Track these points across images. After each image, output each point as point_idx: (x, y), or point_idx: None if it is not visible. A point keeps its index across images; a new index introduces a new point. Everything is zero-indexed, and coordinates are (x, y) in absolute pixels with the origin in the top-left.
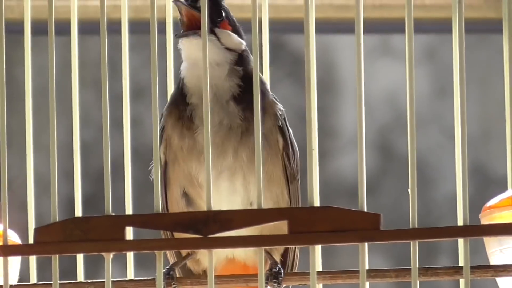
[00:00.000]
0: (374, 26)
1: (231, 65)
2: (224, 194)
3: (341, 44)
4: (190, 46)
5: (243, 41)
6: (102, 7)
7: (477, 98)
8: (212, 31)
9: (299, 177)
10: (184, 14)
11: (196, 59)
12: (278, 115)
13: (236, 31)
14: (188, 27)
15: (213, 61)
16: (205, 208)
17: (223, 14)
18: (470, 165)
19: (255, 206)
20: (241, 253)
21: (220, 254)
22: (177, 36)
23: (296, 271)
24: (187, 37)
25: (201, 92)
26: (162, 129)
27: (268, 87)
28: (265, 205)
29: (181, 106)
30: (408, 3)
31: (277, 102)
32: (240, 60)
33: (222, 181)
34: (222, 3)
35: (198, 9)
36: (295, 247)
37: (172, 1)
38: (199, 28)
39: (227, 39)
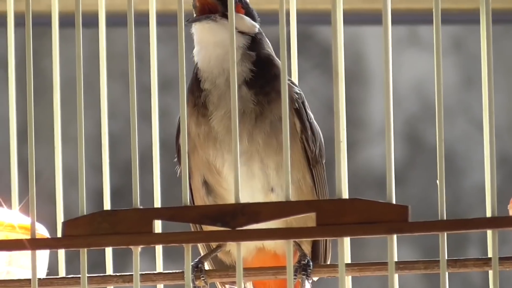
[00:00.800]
0: (401, 17)
1: (244, 49)
2: (243, 180)
3: (368, 35)
4: (202, 30)
5: (256, 24)
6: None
7: (504, 89)
8: (224, 15)
9: (323, 161)
10: (198, 1)
11: (207, 42)
12: (295, 98)
13: (249, 13)
14: (201, 11)
15: (226, 44)
16: (224, 196)
17: None
18: (497, 156)
19: (278, 193)
20: (271, 243)
21: (250, 244)
22: (189, 21)
23: (327, 263)
24: (199, 21)
25: (213, 77)
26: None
27: (296, 75)
28: (286, 190)
29: (196, 93)
30: None
31: (294, 86)
32: (253, 43)
33: (240, 166)
34: None
35: None
36: (326, 240)
37: None
38: (211, 12)
39: (240, 22)
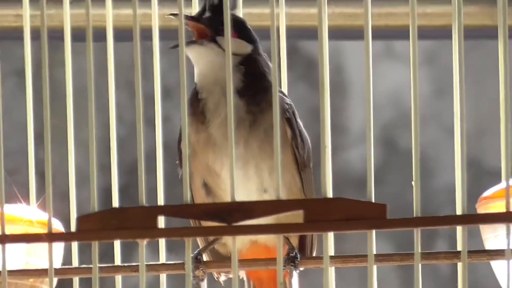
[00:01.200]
0: (379, 33)
1: (234, 65)
2: (240, 182)
3: (350, 49)
4: (191, 53)
5: (249, 45)
6: (134, 16)
7: (472, 98)
8: (213, 40)
9: (311, 165)
10: (190, 27)
11: (198, 63)
12: (286, 108)
13: (244, 36)
14: (198, 35)
15: (217, 63)
16: (222, 197)
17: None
18: (466, 159)
19: (270, 193)
20: (263, 237)
21: (244, 238)
22: (186, 45)
23: (313, 255)
24: (187, 46)
25: (209, 87)
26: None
27: (285, 85)
28: (278, 190)
29: (195, 103)
30: (411, 12)
31: (285, 97)
32: (245, 60)
33: (236, 169)
34: (232, 11)
35: (201, 22)
36: (312, 235)
37: (184, 18)
38: (201, 37)
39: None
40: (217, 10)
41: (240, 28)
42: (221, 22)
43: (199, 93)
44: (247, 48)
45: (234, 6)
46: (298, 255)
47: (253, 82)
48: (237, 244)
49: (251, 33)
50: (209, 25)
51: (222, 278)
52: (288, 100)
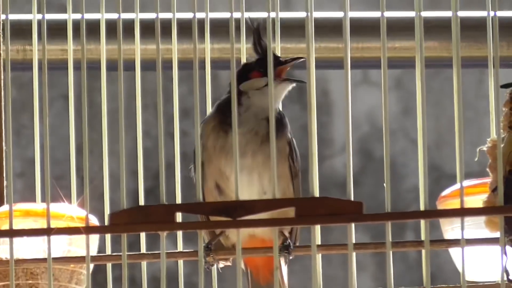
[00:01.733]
0: (357, 63)
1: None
2: (245, 186)
3: (333, 76)
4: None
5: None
6: (157, 50)
7: (433, 116)
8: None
9: (300, 175)
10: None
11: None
12: (288, 133)
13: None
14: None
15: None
16: (233, 198)
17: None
18: (428, 165)
19: (269, 196)
20: (260, 231)
21: (244, 232)
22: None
23: (298, 244)
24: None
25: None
26: (201, 136)
27: (280, 106)
28: (276, 195)
29: (227, 113)
30: (383, 46)
31: (288, 126)
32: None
33: (243, 176)
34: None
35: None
36: (297, 228)
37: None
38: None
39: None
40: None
41: (262, 67)
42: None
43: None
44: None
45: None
46: (291, 244)
47: (279, 119)
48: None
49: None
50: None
51: (220, 265)
52: (289, 130)
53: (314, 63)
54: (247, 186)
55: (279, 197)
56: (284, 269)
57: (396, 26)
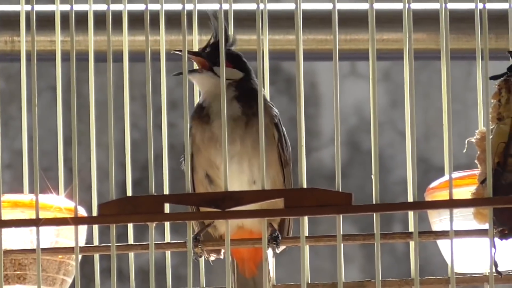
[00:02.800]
0: (345, 55)
1: (229, 83)
2: (235, 174)
3: (322, 68)
4: (194, 80)
5: (241, 73)
6: (146, 41)
7: (421, 108)
8: (210, 69)
9: (291, 164)
10: (193, 60)
11: (201, 86)
12: (273, 115)
13: (237, 67)
14: (200, 66)
15: (213, 85)
16: (222, 186)
17: (227, 55)
18: (416, 157)
19: (258, 185)
20: (249, 223)
21: (233, 223)
22: (188, 72)
23: (290, 236)
24: (189, 74)
25: (211, 98)
26: (190, 129)
27: (268, 98)
28: (266, 183)
29: (199, 110)
30: (371, 38)
31: (273, 107)
32: (238, 84)
33: (233, 163)
34: (228, 47)
35: (202, 56)
36: (290, 219)
37: (188, 54)
38: (204, 67)
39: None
40: (216, 47)
41: (235, 60)
42: (217, 55)
43: (203, 103)
44: (239, 74)
45: (233, 43)
46: (280, 236)
47: (246, 93)
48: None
49: (245, 65)
50: (208, 58)
51: (211, 258)
52: (275, 110)
53: (302, 55)
54: (237, 175)
55: (268, 186)
56: (271, 261)
57: (384, 18)
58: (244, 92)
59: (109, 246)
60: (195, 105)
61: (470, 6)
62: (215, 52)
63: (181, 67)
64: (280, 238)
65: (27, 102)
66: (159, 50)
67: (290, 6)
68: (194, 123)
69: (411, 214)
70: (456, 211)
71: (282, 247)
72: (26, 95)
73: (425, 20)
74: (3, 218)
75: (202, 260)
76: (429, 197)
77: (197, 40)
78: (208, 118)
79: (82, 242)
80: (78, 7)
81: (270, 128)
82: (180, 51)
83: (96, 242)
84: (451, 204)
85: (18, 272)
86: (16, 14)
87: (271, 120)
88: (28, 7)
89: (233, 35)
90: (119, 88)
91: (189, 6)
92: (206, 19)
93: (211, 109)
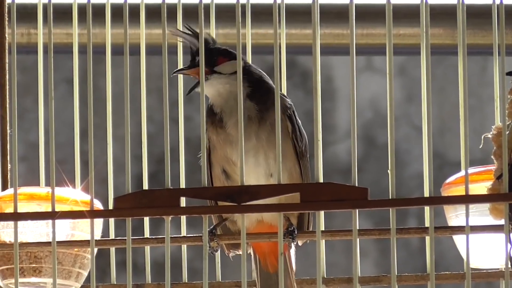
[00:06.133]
0: (362, 50)
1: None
2: (251, 167)
3: (338, 63)
4: (206, 87)
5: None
6: (163, 34)
7: (437, 103)
8: (213, 71)
9: (307, 155)
10: (192, 75)
11: (211, 92)
12: (287, 107)
13: (231, 58)
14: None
15: (223, 84)
16: (238, 180)
17: (217, 53)
18: (432, 152)
19: (275, 177)
20: (268, 217)
21: (252, 217)
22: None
23: (310, 230)
24: (197, 87)
25: (222, 101)
26: (206, 131)
27: (284, 92)
28: (282, 175)
29: (212, 115)
30: (388, 33)
31: (286, 98)
32: (245, 76)
33: (249, 157)
34: (213, 47)
35: (196, 66)
36: (309, 214)
37: (181, 72)
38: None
39: (225, 69)
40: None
41: (226, 54)
42: (211, 56)
43: (214, 108)
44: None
45: (214, 42)
46: (296, 230)
47: (257, 86)
48: (245, 222)
49: (234, 52)
50: (205, 64)
51: (232, 254)
52: (289, 101)
53: (319, 49)
54: (253, 168)
55: (285, 178)
56: (292, 254)
57: (401, 13)
58: (255, 84)
59: (125, 239)
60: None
61: (487, 1)
62: (205, 56)
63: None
64: (296, 232)
65: (43, 94)
66: (176, 43)
67: (307, 0)
68: (208, 128)
69: (427, 209)
70: (472, 206)
71: (299, 241)
72: (42, 88)
73: (442, 15)
74: (19, 211)
75: (218, 254)
76: (445, 192)
77: (214, 33)
78: (221, 123)
79: (98, 235)
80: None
81: (283, 120)
82: (180, 70)
83: (112, 235)
84: (467, 199)
85: (34, 265)
86: (33, 7)
87: (284, 112)
88: (45, 0)
89: (209, 34)
90: (135, 82)
91: (206, 0)
92: (222, 12)
93: (223, 113)
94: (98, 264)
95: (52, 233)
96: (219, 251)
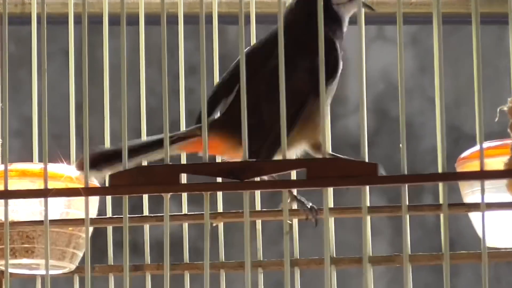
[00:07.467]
0: (372, 19)
1: None
2: None
3: (348, 32)
4: None
5: None
6: (162, 3)
7: (451, 74)
8: None
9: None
10: None
11: None
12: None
13: None
14: None
15: None
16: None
17: None
18: (446, 125)
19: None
20: None
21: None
22: None
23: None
24: None
25: None
26: None
27: None
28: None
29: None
30: (399, 1)
31: None
32: None
33: None
34: None
35: None
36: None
37: None
38: None
39: None
40: None
41: None
42: None
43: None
44: None
45: None
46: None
47: None
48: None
49: None
50: None
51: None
52: None
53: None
54: None
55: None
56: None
57: None
58: None
59: (122, 218)
60: (215, 69)
61: None
62: None
63: (198, 31)
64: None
65: (37, 66)
66: (177, 13)
67: None
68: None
69: (441, 185)
70: (488, 182)
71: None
72: (36, 59)
73: None
74: (10, 188)
75: (221, 233)
76: (460, 167)
77: (216, 2)
78: None
79: (94, 214)
80: None
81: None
82: None
83: (109, 213)
84: (482, 175)
85: (26, 245)
86: None
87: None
88: None
89: None
90: (135, 53)
91: None
92: None
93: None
94: (96, 244)
95: (45, 211)
96: (222, 230)
